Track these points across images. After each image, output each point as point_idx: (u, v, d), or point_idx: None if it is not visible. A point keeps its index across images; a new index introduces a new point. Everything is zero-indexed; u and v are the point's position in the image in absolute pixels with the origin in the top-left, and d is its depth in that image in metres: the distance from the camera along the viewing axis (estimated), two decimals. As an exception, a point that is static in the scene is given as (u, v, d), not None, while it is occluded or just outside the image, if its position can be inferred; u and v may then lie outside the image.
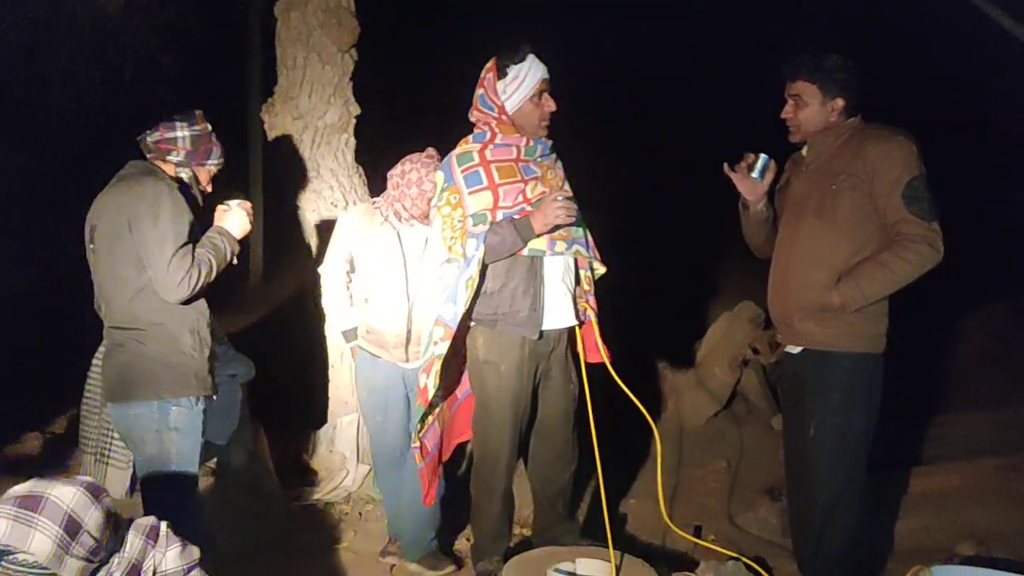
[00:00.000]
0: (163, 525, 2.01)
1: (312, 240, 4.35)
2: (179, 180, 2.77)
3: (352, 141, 4.29)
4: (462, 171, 3.00)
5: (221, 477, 3.76)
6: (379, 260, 3.33)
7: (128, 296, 2.67)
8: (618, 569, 2.87)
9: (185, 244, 2.63)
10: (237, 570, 3.34)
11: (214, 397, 2.85)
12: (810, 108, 2.99)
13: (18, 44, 5.18)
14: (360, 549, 3.69)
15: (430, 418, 3.14)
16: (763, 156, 3.04)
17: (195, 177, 2.81)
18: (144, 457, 2.76)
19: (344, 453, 4.19)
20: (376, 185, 4.44)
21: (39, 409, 4.74)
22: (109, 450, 3.75)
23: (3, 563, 1.73)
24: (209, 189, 2.88)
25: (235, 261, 2.81)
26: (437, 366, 2.98)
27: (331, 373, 4.33)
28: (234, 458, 3.79)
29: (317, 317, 4.38)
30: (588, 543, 3.16)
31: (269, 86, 4.42)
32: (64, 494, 1.80)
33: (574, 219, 2.93)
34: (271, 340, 4.69)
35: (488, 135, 3.03)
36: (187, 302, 2.67)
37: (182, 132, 2.75)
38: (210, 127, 2.82)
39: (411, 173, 3.28)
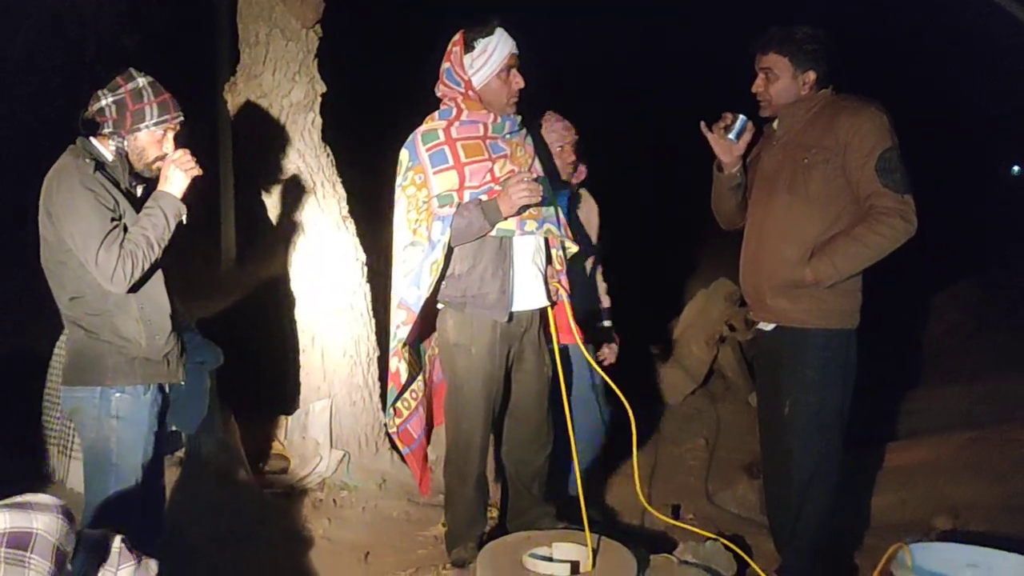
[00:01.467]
0: (116, 540, 1.90)
1: (279, 224, 4.26)
2: (100, 161, 2.55)
3: (318, 120, 4.18)
4: (427, 149, 2.93)
5: (190, 467, 3.68)
6: None
7: (69, 284, 2.55)
8: (595, 552, 2.83)
9: (111, 232, 2.44)
10: (208, 562, 3.29)
11: (181, 384, 2.76)
12: (781, 81, 2.94)
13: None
14: (335, 537, 3.63)
15: (413, 403, 3.10)
16: (741, 117, 2.96)
17: (128, 148, 2.57)
18: (86, 443, 2.66)
19: (317, 439, 4.12)
20: (344, 164, 4.37)
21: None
22: (71, 442, 3.67)
23: None
24: (166, 151, 2.58)
25: (183, 220, 2.59)
26: (405, 353, 2.92)
27: (302, 358, 4.25)
28: (203, 447, 3.72)
29: (287, 300, 4.31)
30: (564, 526, 3.12)
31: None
32: (50, 526, 1.68)
33: (540, 199, 2.86)
34: (241, 325, 4.62)
35: (454, 111, 2.95)
36: (134, 288, 2.52)
37: (105, 100, 2.53)
38: (142, 85, 2.54)
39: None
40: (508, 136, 3.00)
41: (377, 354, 4.31)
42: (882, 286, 3.14)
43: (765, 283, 2.96)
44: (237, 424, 4.06)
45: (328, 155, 4.25)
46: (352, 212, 4.29)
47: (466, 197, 2.90)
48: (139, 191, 2.64)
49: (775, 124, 3.03)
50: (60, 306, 2.61)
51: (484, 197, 2.90)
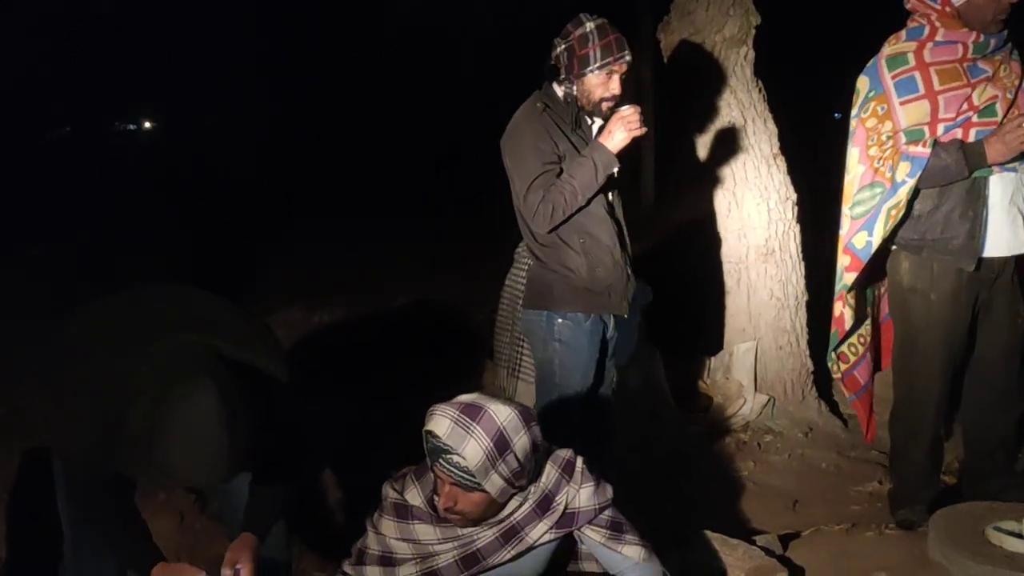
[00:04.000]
0: (579, 461, 2.03)
1: (706, 162, 4.21)
2: (549, 105, 2.66)
3: (751, 54, 4.04)
4: (892, 77, 2.64)
5: (619, 399, 3.84)
6: None
7: (524, 218, 2.74)
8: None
9: (541, 175, 2.58)
10: (640, 489, 3.43)
11: (623, 316, 2.86)
12: None
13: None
14: (761, 481, 3.58)
15: (860, 348, 2.91)
16: None
17: (577, 91, 2.63)
18: (536, 363, 2.92)
19: (741, 381, 4.07)
20: (775, 97, 4.19)
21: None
22: (519, 365, 4.01)
23: (441, 460, 1.85)
24: (611, 92, 2.61)
25: (614, 173, 2.64)
26: (850, 299, 2.73)
27: (727, 299, 4.21)
28: (631, 381, 3.86)
29: (712, 240, 4.28)
30: (1035, 501, 2.74)
31: (658, 5, 4.32)
32: (500, 412, 1.87)
33: None
34: (663, 263, 4.70)
35: (927, 30, 2.62)
36: (553, 230, 2.64)
37: (559, 48, 2.63)
38: (588, 29, 2.56)
39: None
40: (990, 54, 2.60)
41: (806, 298, 4.13)
42: None
43: None
44: (661, 360, 4.15)
45: (760, 90, 4.10)
46: (783, 149, 4.12)
47: (940, 131, 2.58)
48: (595, 129, 2.72)
49: None
50: (524, 237, 2.84)
51: (959, 131, 2.57)
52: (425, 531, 1.96)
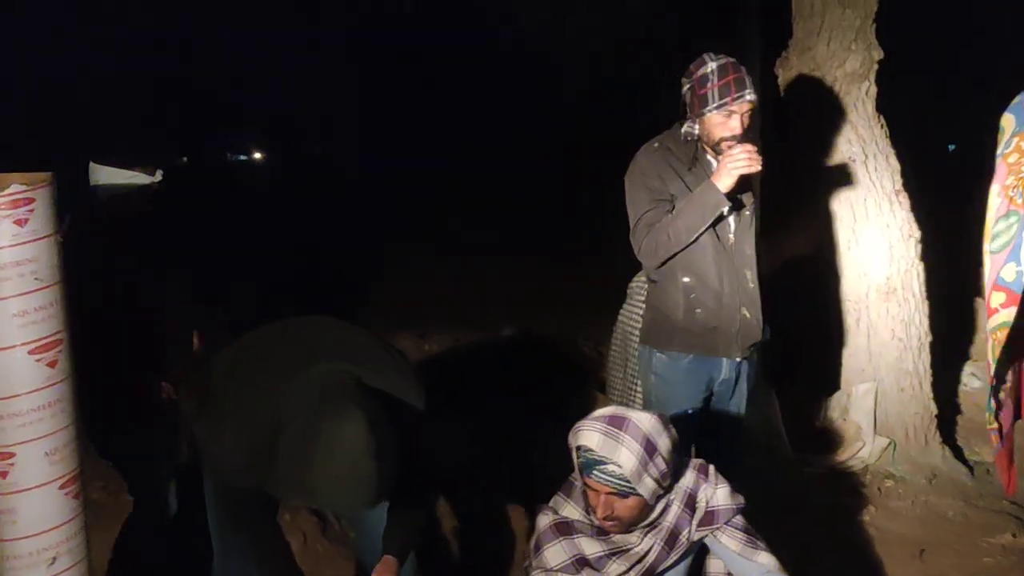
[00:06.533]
0: (711, 467, 2.11)
1: (824, 198, 4.14)
2: (666, 145, 2.67)
3: (873, 89, 3.97)
4: None
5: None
6: None
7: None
8: None
9: (649, 211, 2.59)
10: (757, 531, 3.35)
11: (735, 360, 2.74)
12: None
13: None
14: (883, 527, 3.46)
15: (1002, 395, 2.81)
16: None
17: (699, 131, 2.59)
18: (643, 394, 2.92)
19: (859, 423, 3.96)
20: (898, 135, 4.10)
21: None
22: (634, 399, 4.00)
23: (596, 472, 1.92)
24: (731, 131, 2.51)
25: (724, 212, 2.56)
26: (1001, 335, 2.63)
27: (847, 338, 4.10)
28: (747, 419, 3.79)
29: (830, 278, 4.19)
30: None
31: (770, 38, 4.30)
32: (642, 418, 1.96)
33: None
34: (781, 301, 4.61)
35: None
36: (661, 266, 2.62)
37: (684, 87, 2.61)
38: (709, 70, 2.51)
39: None
40: None
41: (929, 339, 4.00)
42: None
43: None
44: (777, 399, 4.07)
45: (882, 125, 4.03)
46: (905, 185, 4.02)
47: None
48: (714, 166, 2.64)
49: None
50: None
51: None
52: (590, 544, 2.04)
